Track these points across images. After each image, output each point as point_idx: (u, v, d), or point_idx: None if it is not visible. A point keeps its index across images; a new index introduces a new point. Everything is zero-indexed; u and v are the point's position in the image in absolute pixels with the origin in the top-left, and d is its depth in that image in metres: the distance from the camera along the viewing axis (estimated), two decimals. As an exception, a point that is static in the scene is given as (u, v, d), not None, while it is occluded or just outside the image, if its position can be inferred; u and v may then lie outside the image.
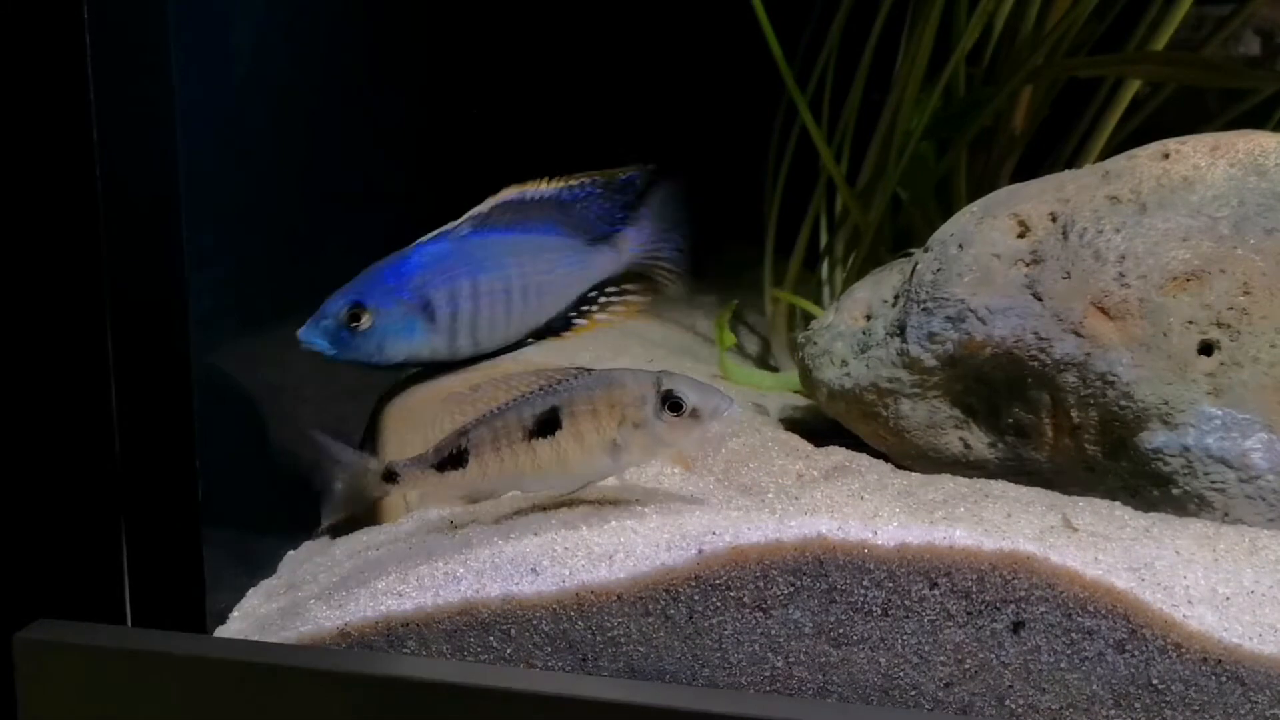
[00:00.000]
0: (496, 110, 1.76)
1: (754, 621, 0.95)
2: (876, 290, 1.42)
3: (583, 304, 1.32)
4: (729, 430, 1.38)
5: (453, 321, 1.19)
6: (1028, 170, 1.52)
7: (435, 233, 1.19)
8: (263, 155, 1.17)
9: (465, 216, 1.21)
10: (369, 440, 1.28)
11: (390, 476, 1.04)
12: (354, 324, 1.13)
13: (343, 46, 1.34)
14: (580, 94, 2.03)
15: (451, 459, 1.05)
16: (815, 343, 1.44)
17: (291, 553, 1.23)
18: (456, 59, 1.63)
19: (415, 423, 1.25)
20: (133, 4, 1.00)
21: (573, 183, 1.27)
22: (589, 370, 1.07)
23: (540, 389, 1.06)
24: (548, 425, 1.05)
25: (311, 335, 1.14)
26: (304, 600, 1.06)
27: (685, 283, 1.35)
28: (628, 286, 1.33)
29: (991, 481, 1.16)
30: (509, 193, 1.23)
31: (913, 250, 1.43)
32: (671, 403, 1.05)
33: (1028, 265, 1.24)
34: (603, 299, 1.33)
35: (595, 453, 1.06)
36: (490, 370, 1.31)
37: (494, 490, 1.07)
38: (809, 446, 1.35)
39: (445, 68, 1.60)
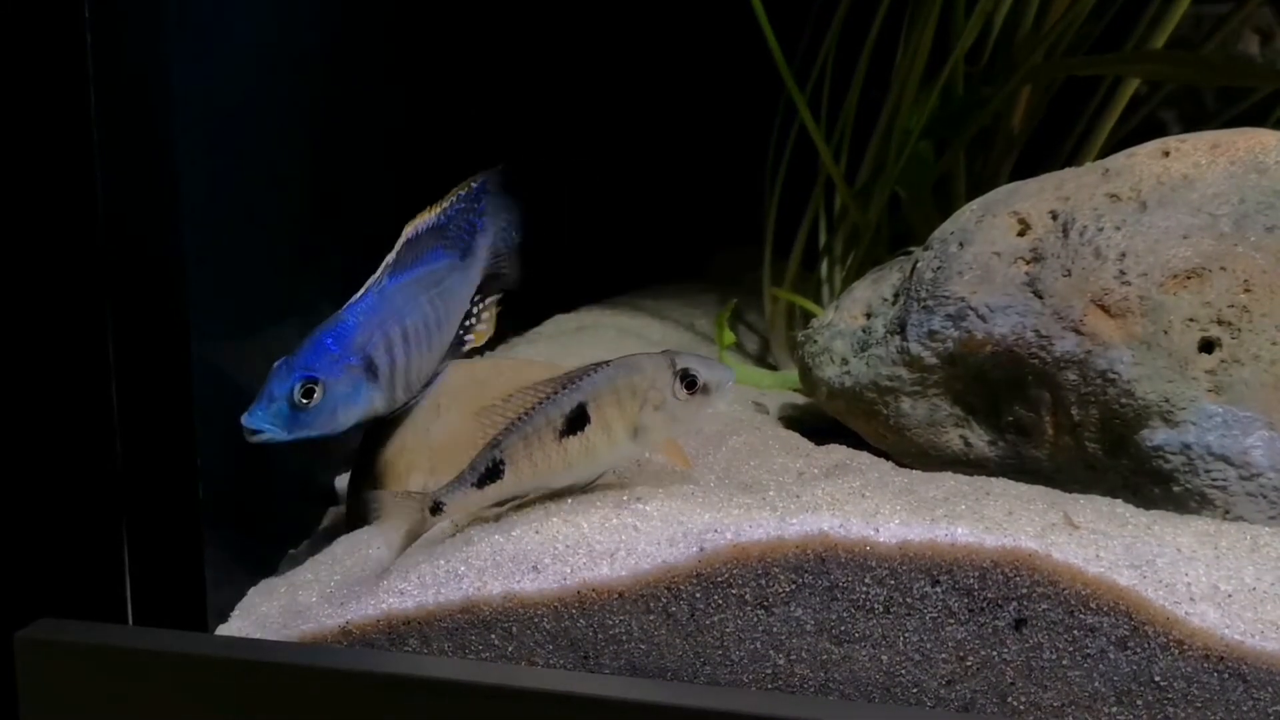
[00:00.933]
0: (496, 110, 1.76)
1: (755, 619, 0.95)
2: (876, 289, 1.42)
3: (467, 319, 1.32)
4: (729, 429, 1.38)
5: (392, 374, 1.19)
6: (1027, 169, 1.52)
7: (362, 290, 1.19)
8: (263, 155, 1.17)
9: (381, 266, 1.21)
10: (368, 440, 1.28)
11: (437, 509, 1.05)
12: (305, 400, 1.11)
13: (343, 45, 1.34)
14: (578, 93, 2.03)
15: (489, 473, 1.05)
16: (815, 341, 1.44)
17: (293, 551, 1.23)
18: (457, 58, 1.63)
19: (414, 422, 1.25)
20: (133, 3, 1.00)
21: (444, 203, 1.27)
22: (605, 362, 1.08)
23: (564, 387, 1.07)
24: (577, 422, 1.06)
25: (262, 422, 1.10)
26: (305, 598, 1.06)
27: (518, 271, 1.36)
28: (485, 291, 1.34)
29: (992, 479, 1.16)
30: (407, 230, 1.24)
31: (912, 249, 1.44)
32: (688, 380, 1.07)
33: (1028, 263, 1.24)
34: (478, 309, 1.34)
35: (621, 440, 1.08)
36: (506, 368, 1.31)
37: (527, 492, 1.08)
38: (809, 445, 1.35)
39: (445, 67, 1.60)
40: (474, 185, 1.30)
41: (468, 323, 1.33)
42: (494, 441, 1.06)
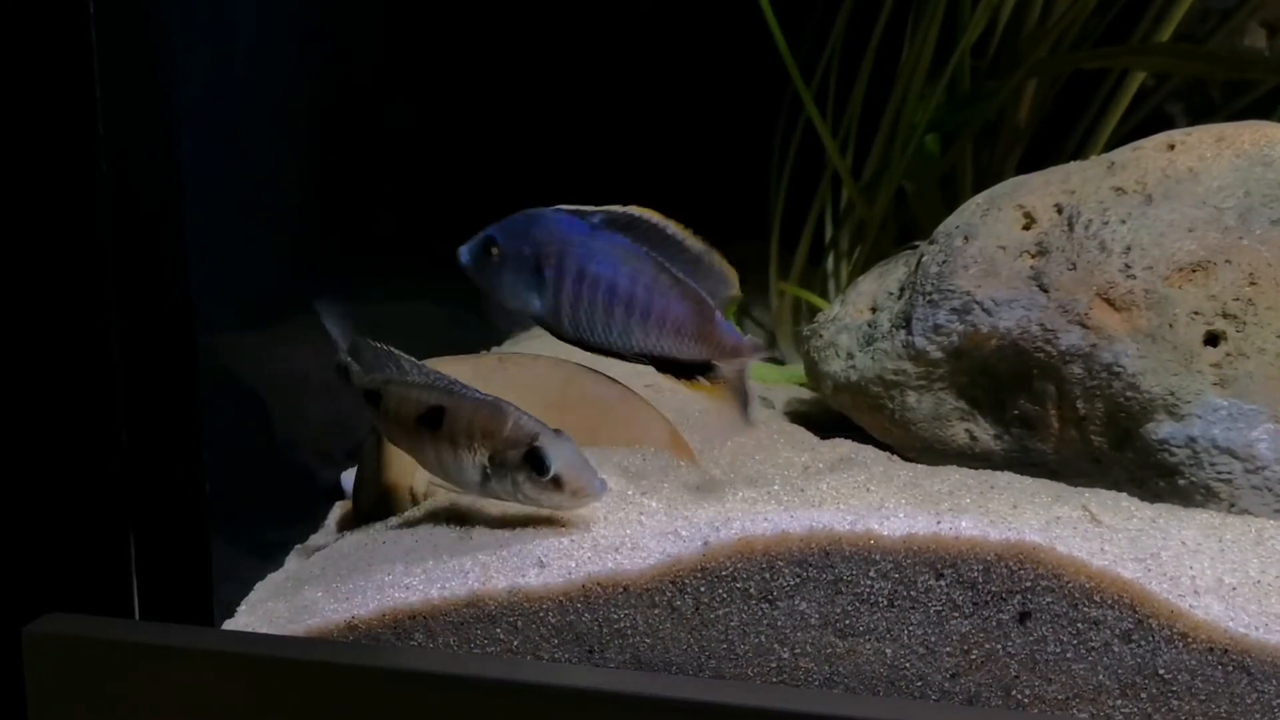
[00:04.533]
0: (498, 108, 1.77)
1: (760, 613, 0.95)
2: (881, 283, 1.42)
3: (709, 369, 1.29)
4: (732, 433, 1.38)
5: (556, 293, 1.20)
6: (1032, 163, 1.51)
7: (574, 207, 1.20)
8: (267, 152, 1.17)
9: (603, 208, 1.21)
10: (376, 433, 1.28)
11: (344, 371, 1.12)
12: (489, 254, 1.18)
13: (345, 43, 1.34)
14: (577, 93, 2.03)
15: (371, 395, 1.11)
16: (821, 335, 1.45)
17: (299, 546, 1.23)
18: (461, 54, 1.63)
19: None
20: (138, 1, 1.00)
21: (700, 247, 1.25)
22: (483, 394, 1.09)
23: (443, 384, 1.09)
24: (431, 419, 1.07)
25: (465, 253, 1.19)
26: (311, 593, 1.06)
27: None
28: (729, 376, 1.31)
29: (997, 473, 1.16)
30: (650, 214, 1.23)
31: (918, 243, 1.43)
32: (535, 462, 1.03)
33: (1033, 257, 1.24)
34: (717, 377, 1.31)
35: (467, 466, 1.07)
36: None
37: (404, 452, 1.13)
38: (815, 439, 1.36)
39: (450, 63, 1.60)
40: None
41: (710, 374, 1.29)
42: (387, 376, 1.10)
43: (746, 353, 1.22)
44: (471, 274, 1.18)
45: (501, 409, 1.06)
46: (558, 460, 1.03)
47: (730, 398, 1.24)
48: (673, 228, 1.22)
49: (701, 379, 1.27)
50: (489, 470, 1.05)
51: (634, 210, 1.21)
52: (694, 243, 1.21)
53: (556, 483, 1.03)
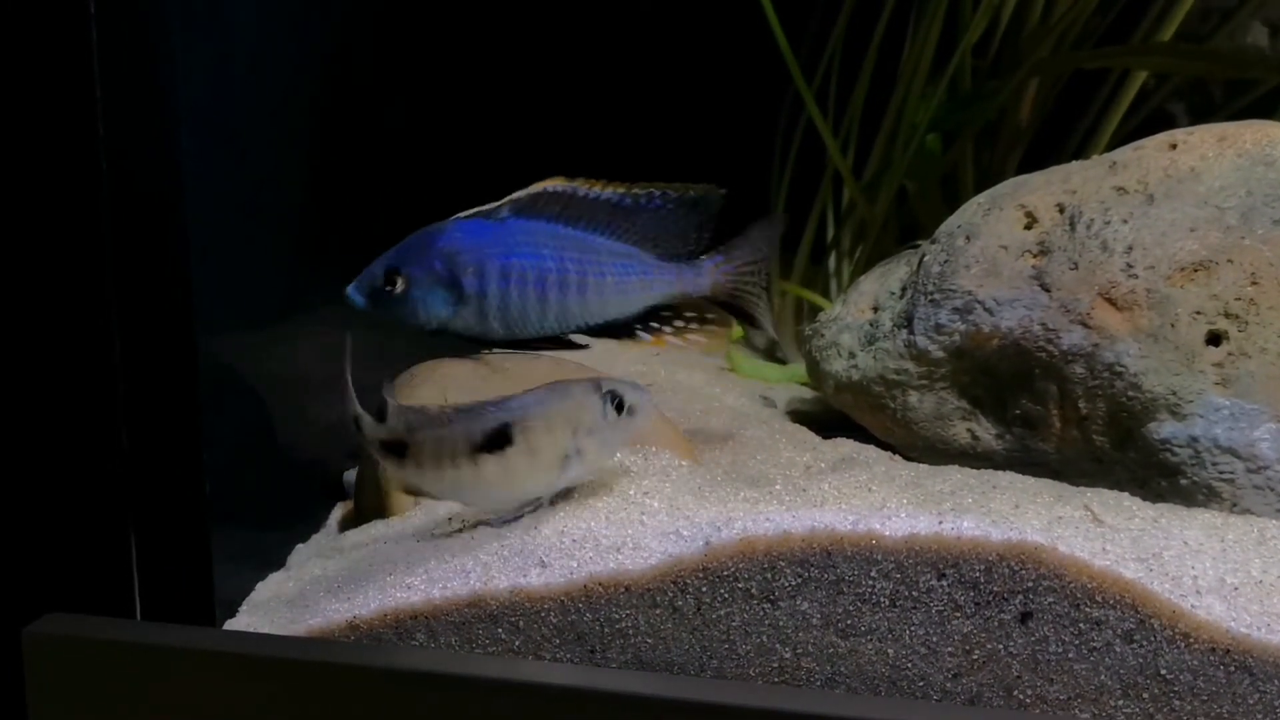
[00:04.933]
0: (499, 107, 1.77)
1: (762, 613, 0.95)
2: (883, 282, 1.42)
3: (652, 318, 1.29)
4: (737, 423, 1.38)
5: (481, 300, 1.21)
6: (1034, 162, 1.51)
7: (473, 211, 1.20)
8: (267, 151, 1.17)
9: (506, 199, 1.21)
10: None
11: (356, 423, 1.06)
12: (389, 287, 1.19)
13: (345, 42, 1.34)
14: (577, 93, 2.02)
15: (392, 445, 1.04)
16: (822, 335, 1.44)
17: (300, 546, 1.23)
18: (461, 56, 1.63)
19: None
20: (138, 1, 1.00)
21: (636, 191, 1.25)
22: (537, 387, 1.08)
23: (490, 404, 1.05)
24: (497, 441, 1.04)
25: (354, 292, 1.21)
26: (312, 593, 1.06)
27: (762, 313, 1.31)
28: (711, 316, 1.30)
29: (999, 473, 1.16)
30: (554, 183, 1.23)
31: (919, 242, 1.43)
32: (616, 402, 1.05)
33: (1035, 256, 1.24)
34: (679, 321, 1.30)
35: (547, 466, 1.06)
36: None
37: (432, 493, 1.09)
38: (816, 438, 1.35)
39: (450, 65, 1.60)
40: (693, 195, 1.27)
41: (654, 324, 1.30)
42: (411, 424, 1.04)
43: (708, 274, 1.23)
44: (370, 310, 1.19)
45: (562, 390, 1.06)
46: (626, 391, 1.06)
47: (729, 323, 1.26)
48: (583, 187, 1.22)
49: (667, 333, 1.27)
50: (573, 451, 1.05)
51: (537, 187, 1.21)
52: (611, 190, 1.21)
53: (631, 411, 1.06)
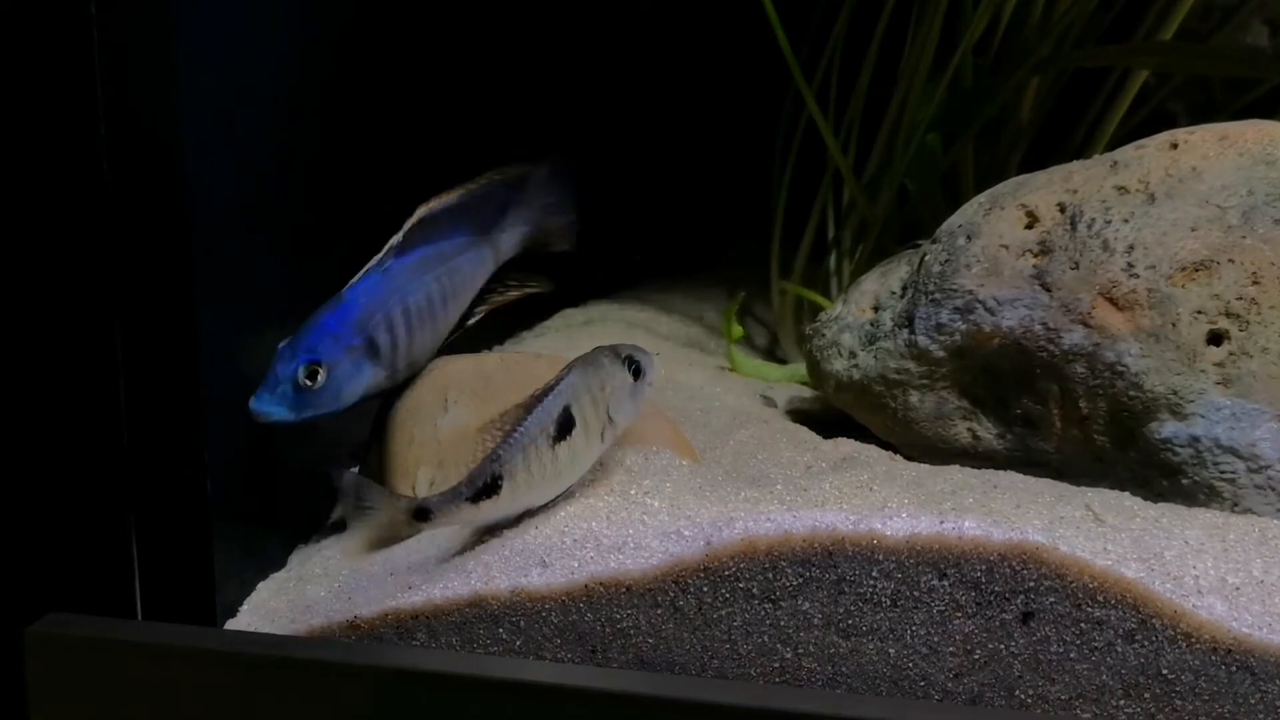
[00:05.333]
0: (503, 108, 1.77)
1: (763, 613, 0.95)
2: (884, 282, 1.42)
3: (484, 293, 1.33)
4: (737, 423, 1.38)
5: (394, 352, 1.20)
6: (1035, 162, 1.51)
7: (362, 271, 1.20)
8: (270, 150, 1.17)
9: (386, 247, 1.21)
10: (376, 434, 1.28)
11: (422, 515, 1.00)
12: (310, 382, 1.11)
13: (352, 41, 1.34)
14: (579, 92, 2.02)
15: (486, 488, 1.01)
16: (823, 334, 1.44)
17: (301, 546, 1.23)
18: (467, 55, 1.63)
19: (422, 417, 1.25)
20: (140, 1, 1.00)
21: (473, 185, 1.27)
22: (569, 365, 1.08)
23: (545, 394, 1.04)
24: (565, 427, 1.04)
25: (269, 405, 1.10)
26: (313, 593, 1.06)
27: (572, 246, 1.38)
28: (515, 278, 1.36)
29: (1000, 472, 1.16)
30: (421, 210, 1.24)
31: (920, 241, 1.43)
32: (636, 369, 1.08)
33: (1036, 256, 1.24)
34: (502, 287, 1.34)
35: (595, 440, 1.06)
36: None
37: (517, 511, 1.05)
38: (817, 438, 1.35)
39: (456, 64, 1.60)
40: (511, 170, 1.30)
41: (485, 295, 1.33)
42: (493, 455, 1.02)
43: (509, 232, 1.24)
44: (291, 418, 1.11)
45: (594, 362, 1.08)
46: (639, 355, 1.09)
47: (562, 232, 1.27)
48: (441, 200, 1.23)
49: (494, 298, 1.29)
50: (609, 422, 1.07)
51: (410, 221, 1.22)
52: (466, 191, 1.22)
53: (645, 376, 1.08)
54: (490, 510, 1.02)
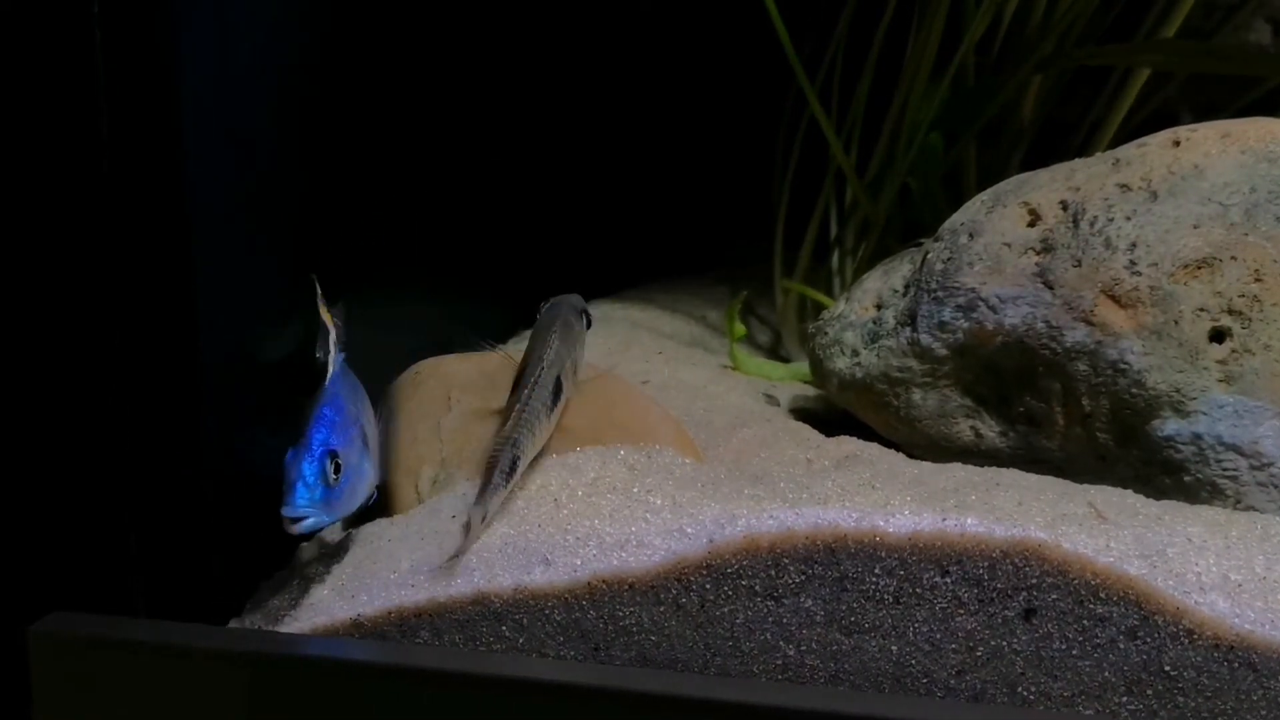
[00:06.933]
0: (505, 107, 1.77)
1: (765, 610, 0.95)
2: (887, 280, 1.42)
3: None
4: (740, 421, 1.38)
5: (372, 447, 1.14)
6: (1037, 160, 1.51)
7: (330, 366, 1.13)
8: (271, 149, 1.17)
9: (332, 345, 1.15)
10: (381, 432, 1.28)
11: (467, 530, 1.02)
12: (336, 475, 1.03)
13: (353, 43, 1.34)
14: (581, 92, 2.03)
15: (512, 469, 1.04)
16: (826, 333, 1.44)
17: (304, 544, 1.23)
18: (468, 55, 1.63)
19: (425, 416, 1.25)
20: (142, 2, 1.00)
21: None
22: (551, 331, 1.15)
23: (538, 370, 1.10)
24: (557, 393, 1.11)
25: (308, 508, 1.01)
26: (317, 591, 1.06)
27: None
28: None
29: (1002, 470, 1.16)
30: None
31: (923, 240, 1.43)
32: (588, 318, 1.18)
33: (1038, 254, 1.24)
34: None
35: (571, 388, 1.14)
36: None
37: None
38: (820, 436, 1.35)
39: (457, 63, 1.61)
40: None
41: None
42: (511, 440, 1.04)
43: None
44: (332, 515, 1.03)
45: (570, 325, 1.16)
46: (586, 305, 1.20)
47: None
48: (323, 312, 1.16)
49: None
50: (571, 373, 1.14)
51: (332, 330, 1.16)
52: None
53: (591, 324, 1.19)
54: (513, 483, 1.06)
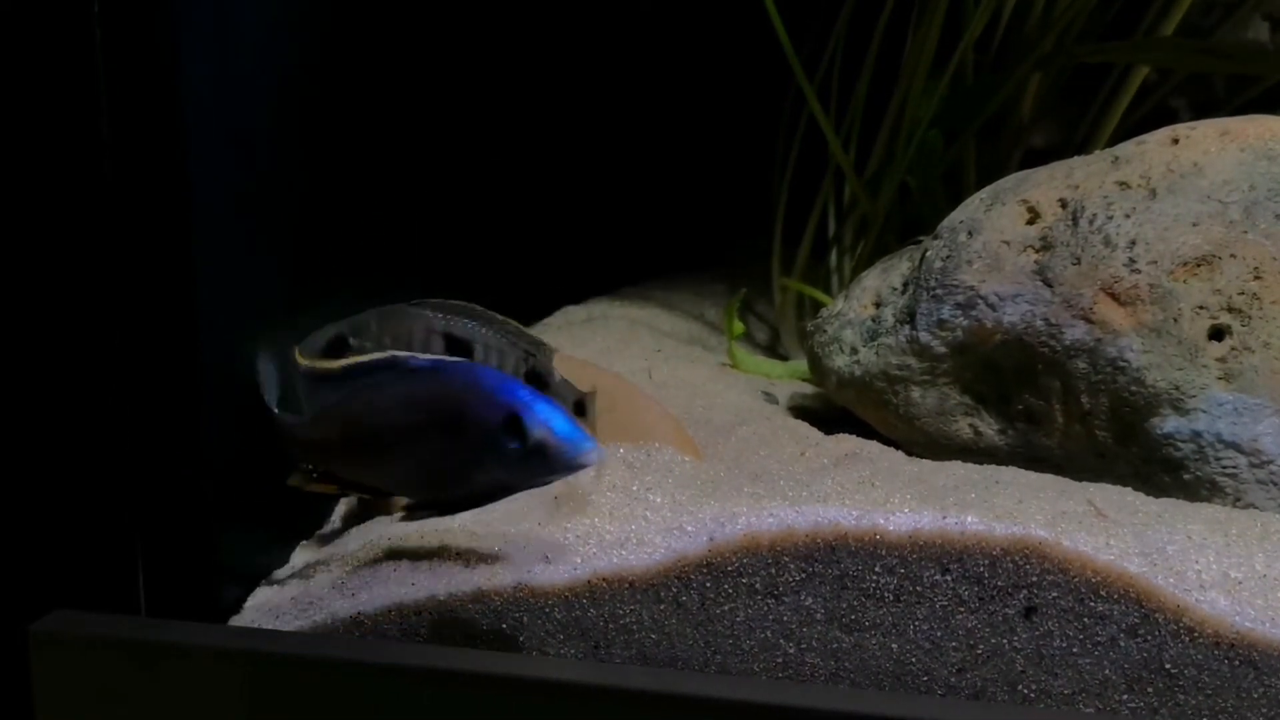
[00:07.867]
0: (507, 107, 1.77)
1: (766, 608, 0.96)
2: (885, 278, 1.42)
3: None
4: (739, 419, 1.38)
5: None
6: (1036, 158, 1.51)
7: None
8: (272, 149, 1.17)
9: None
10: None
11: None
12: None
13: (354, 44, 1.34)
14: (581, 90, 2.03)
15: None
16: (824, 331, 1.44)
17: (305, 542, 1.23)
18: (470, 55, 1.63)
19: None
20: (143, 1, 1.00)
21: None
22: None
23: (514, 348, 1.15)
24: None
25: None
26: (317, 589, 1.06)
27: None
28: None
29: (1002, 468, 1.16)
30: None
31: (922, 238, 1.43)
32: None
33: (1037, 252, 1.24)
34: None
35: None
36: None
37: None
38: (819, 434, 1.35)
39: (458, 63, 1.60)
40: None
41: None
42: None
43: None
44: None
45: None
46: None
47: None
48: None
49: None
50: None
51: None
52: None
53: None
54: None
